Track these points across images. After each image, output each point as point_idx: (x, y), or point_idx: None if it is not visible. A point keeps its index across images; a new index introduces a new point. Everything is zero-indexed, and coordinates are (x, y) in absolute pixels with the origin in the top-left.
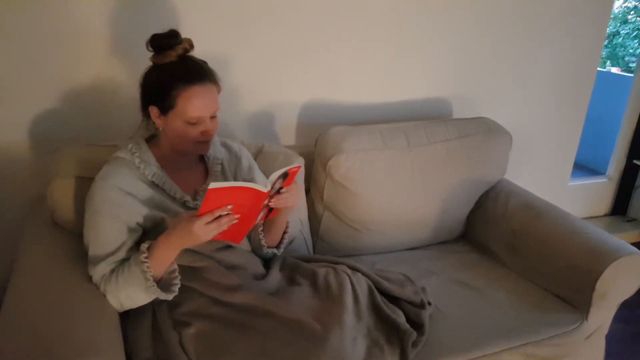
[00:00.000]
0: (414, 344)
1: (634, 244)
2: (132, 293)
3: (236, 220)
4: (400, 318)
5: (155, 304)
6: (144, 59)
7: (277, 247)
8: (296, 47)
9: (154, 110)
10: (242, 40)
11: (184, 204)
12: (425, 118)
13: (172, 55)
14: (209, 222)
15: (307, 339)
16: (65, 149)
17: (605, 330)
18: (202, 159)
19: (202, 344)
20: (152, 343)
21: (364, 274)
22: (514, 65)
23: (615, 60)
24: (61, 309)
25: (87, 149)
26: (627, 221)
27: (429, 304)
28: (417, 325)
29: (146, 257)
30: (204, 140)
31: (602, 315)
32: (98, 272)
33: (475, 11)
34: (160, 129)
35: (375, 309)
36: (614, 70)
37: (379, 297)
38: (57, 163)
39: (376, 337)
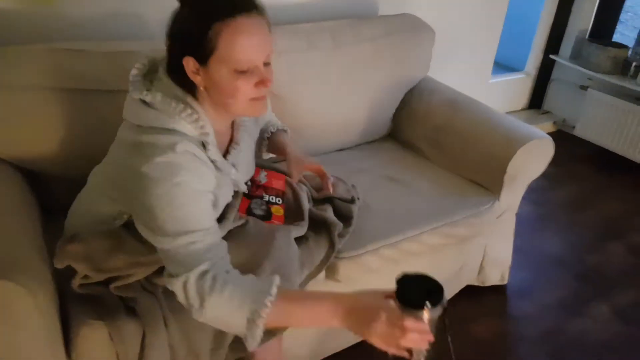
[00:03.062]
0: (341, 235)
1: (549, 134)
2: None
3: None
4: (328, 213)
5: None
6: None
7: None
8: None
9: (189, 63)
10: None
11: (219, 169)
12: (351, 16)
13: None
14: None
15: (256, 238)
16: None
17: (515, 209)
18: None
19: None
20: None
21: (303, 183)
22: None
23: None
24: None
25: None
26: (542, 114)
27: (358, 198)
28: (347, 218)
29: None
30: (260, 97)
31: (512, 195)
32: (180, 242)
33: None
34: (202, 87)
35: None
36: None
37: (310, 204)
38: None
39: (305, 234)
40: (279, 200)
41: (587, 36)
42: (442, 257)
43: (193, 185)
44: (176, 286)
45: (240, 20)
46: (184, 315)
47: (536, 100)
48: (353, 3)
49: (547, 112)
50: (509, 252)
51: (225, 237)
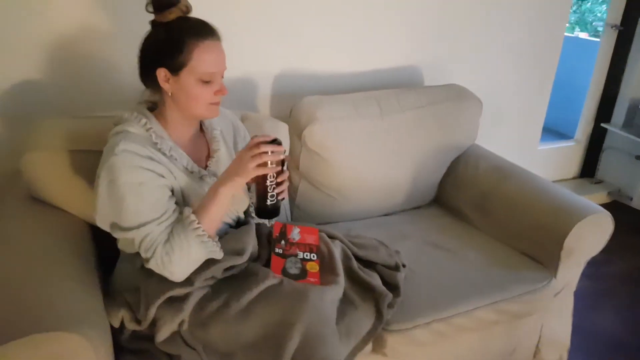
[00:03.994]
0: (390, 305)
1: (601, 205)
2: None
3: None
4: (376, 280)
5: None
6: (124, 27)
7: None
8: (266, 16)
9: (161, 73)
10: (212, 9)
11: (201, 179)
12: (397, 86)
13: (176, 12)
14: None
15: (290, 297)
16: (45, 121)
17: (573, 287)
18: (200, 127)
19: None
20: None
21: (341, 241)
22: (482, 32)
23: (584, 25)
24: (43, 281)
25: (71, 121)
26: (595, 183)
27: (404, 266)
28: (393, 287)
29: (195, 220)
30: (217, 102)
31: (570, 273)
32: (145, 232)
33: None
34: (169, 93)
35: (351, 274)
36: (582, 35)
37: (355, 263)
38: (37, 136)
39: (351, 298)
40: (313, 256)
41: None
42: (495, 335)
43: (134, 180)
44: (152, 266)
45: (209, 43)
46: None
47: (588, 169)
48: (399, 74)
49: (600, 182)
50: (567, 333)
51: (258, 297)
